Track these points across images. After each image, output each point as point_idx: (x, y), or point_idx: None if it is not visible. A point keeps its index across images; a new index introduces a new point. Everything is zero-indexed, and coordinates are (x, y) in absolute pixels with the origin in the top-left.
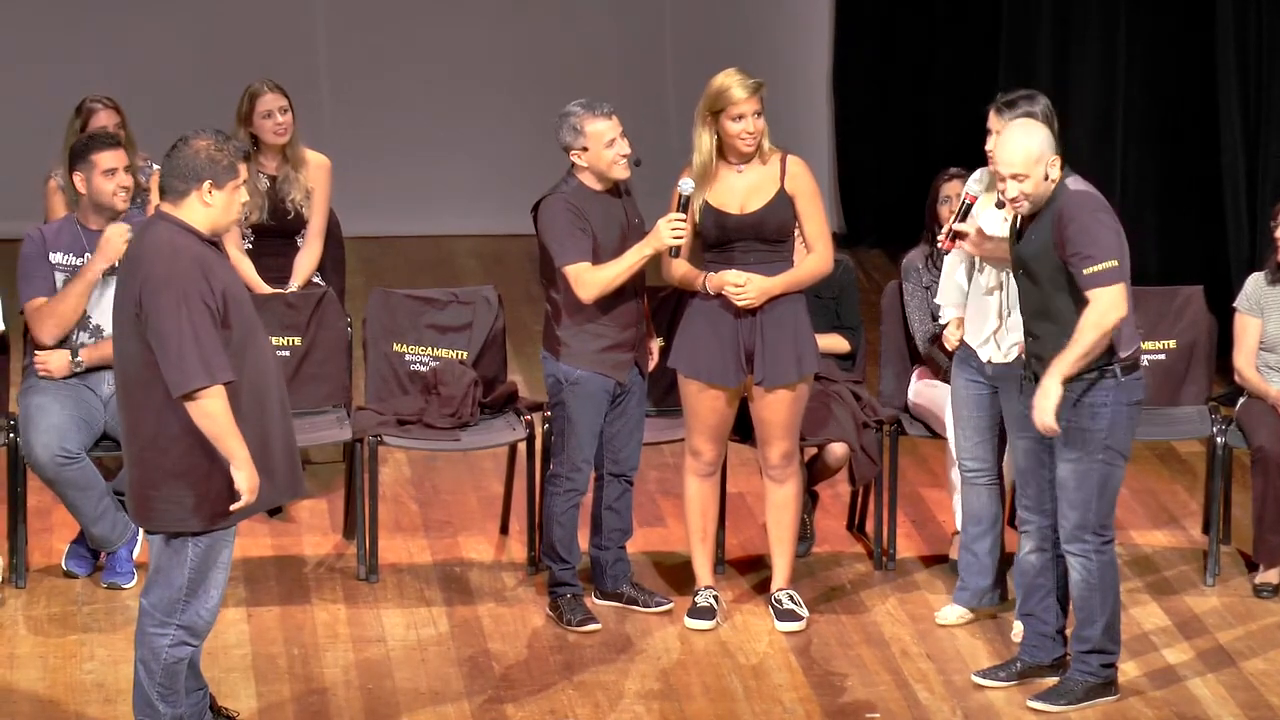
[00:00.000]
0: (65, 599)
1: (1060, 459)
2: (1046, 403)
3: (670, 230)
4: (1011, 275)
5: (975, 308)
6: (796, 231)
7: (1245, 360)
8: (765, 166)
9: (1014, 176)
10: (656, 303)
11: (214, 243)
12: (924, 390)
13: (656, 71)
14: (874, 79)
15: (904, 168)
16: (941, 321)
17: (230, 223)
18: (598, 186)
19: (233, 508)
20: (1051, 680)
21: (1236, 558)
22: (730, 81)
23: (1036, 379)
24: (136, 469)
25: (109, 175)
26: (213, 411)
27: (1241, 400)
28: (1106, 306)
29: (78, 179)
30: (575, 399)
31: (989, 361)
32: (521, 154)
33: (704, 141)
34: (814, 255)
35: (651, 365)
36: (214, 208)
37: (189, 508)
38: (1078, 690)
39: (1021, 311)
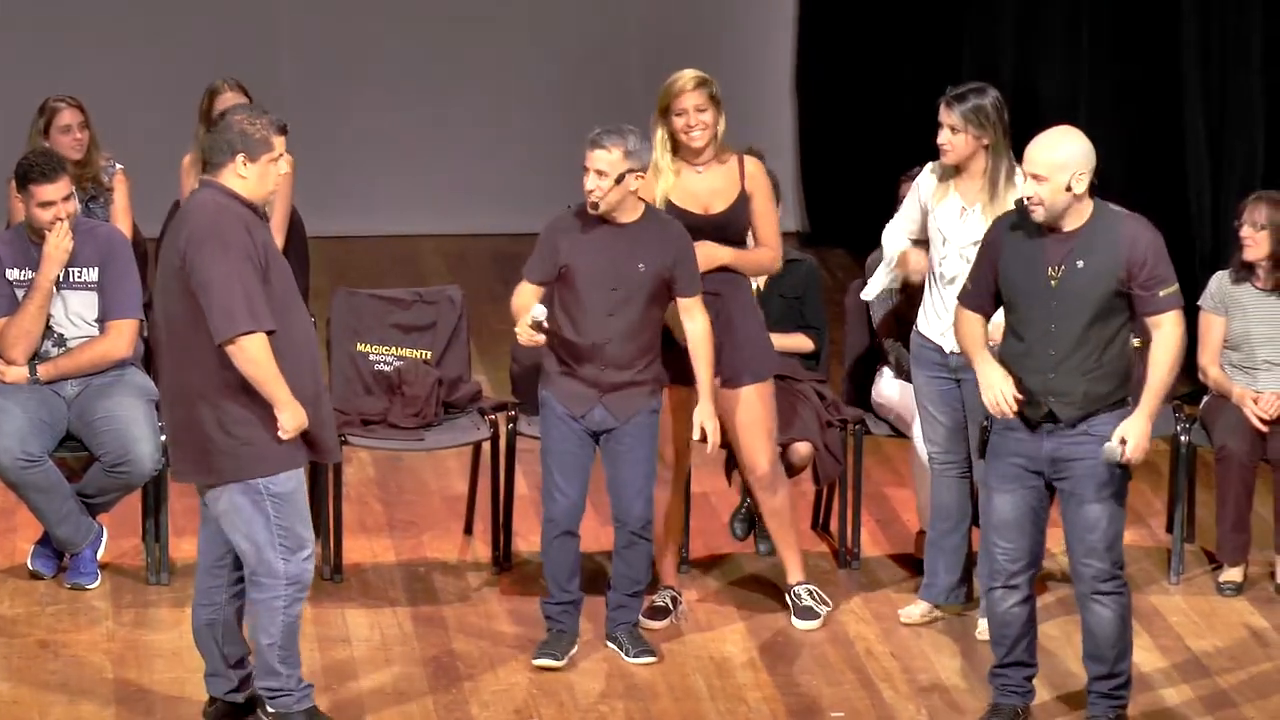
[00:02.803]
0: (29, 600)
1: (1092, 500)
2: (1144, 441)
3: (527, 336)
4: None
5: (934, 298)
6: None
7: (1209, 359)
8: (724, 167)
9: (1034, 176)
10: None
11: (254, 208)
12: (887, 389)
13: (622, 73)
14: (838, 78)
15: (868, 167)
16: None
17: (267, 194)
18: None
19: (283, 436)
20: None
21: (1200, 556)
22: (674, 78)
23: (1055, 419)
24: (190, 429)
25: (45, 208)
26: (255, 356)
27: (1205, 399)
28: (1181, 329)
29: (18, 200)
30: (544, 419)
31: (952, 352)
32: (485, 154)
33: (657, 139)
34: (766, 249)
35: (707, 448)
36: (249, 179)
37: (256, 452)
38: None
39: (1046, 349)
